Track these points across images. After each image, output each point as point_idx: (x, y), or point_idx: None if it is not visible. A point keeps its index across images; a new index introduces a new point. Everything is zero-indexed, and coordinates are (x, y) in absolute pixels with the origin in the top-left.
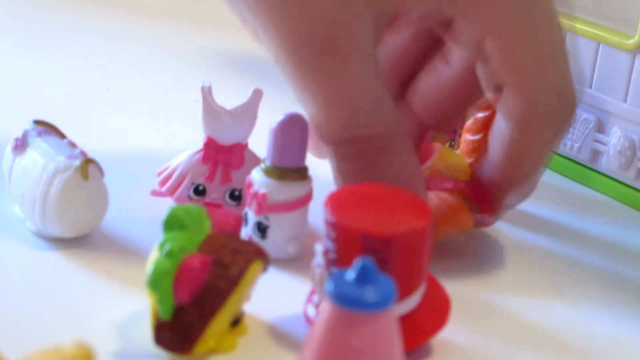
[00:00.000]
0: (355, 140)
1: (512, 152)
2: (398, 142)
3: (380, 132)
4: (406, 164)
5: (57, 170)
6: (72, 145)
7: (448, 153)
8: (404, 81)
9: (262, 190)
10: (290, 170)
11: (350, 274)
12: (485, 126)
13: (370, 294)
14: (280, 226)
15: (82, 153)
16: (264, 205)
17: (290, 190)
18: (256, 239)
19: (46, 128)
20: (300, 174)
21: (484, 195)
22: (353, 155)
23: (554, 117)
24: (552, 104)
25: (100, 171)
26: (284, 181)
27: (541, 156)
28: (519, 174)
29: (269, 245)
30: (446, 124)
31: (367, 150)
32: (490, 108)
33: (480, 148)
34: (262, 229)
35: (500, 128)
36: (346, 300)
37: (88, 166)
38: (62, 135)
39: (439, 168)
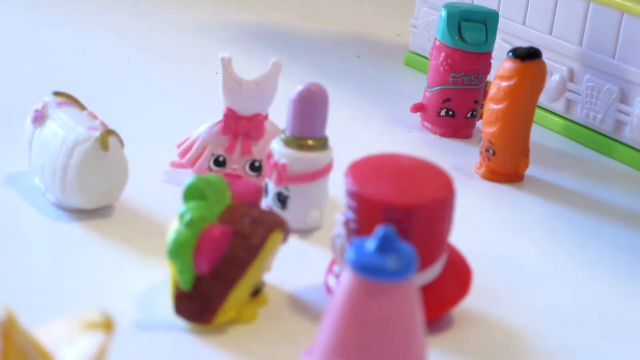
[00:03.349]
0: None
1: None
2: None
3: None
4: None
5: (77, 142)
6: (92, 116)
7: None
8: None
9: (282, 161)
10: (310, 140)
11: (371, 243)
12: (508, 95)
13: (391, 262)
14: (301, 196)
15: (102, 124)
16: (284, 175)
17: (310, 161)
18: (276, 209)
19: (66, 99)
20: (320, 144)
21: None
22: None
23: None
24: None
25: (121, 142)
26: (304, 151)
27: None
28: None
29: (289, 215)
30: None
31: None
32: (514, 77)
33: (503, 117)
34: (282, 199)
35: None
36: (367, 270)
37: (108, 137)
38: (82, 107)
39: None
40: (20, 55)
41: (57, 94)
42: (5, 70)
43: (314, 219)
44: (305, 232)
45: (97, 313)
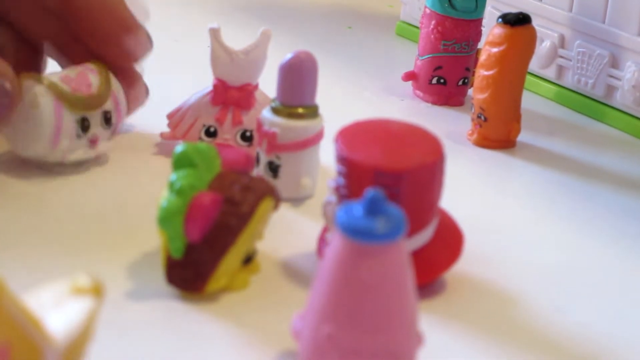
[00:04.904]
0: None
1: None
2: None
3: None
4: None
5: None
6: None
7: None
8: None
9: (272, 130)
10: (300, 108)
11: (360, 206)
12: (499, 61)
13: (379, 225)
14: (292, 165)
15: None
16: (274, 144)
17: (300, 129)
18: (268, 178)
19: None
20: (311, 112)
21: None
22: None
23: None
24: None
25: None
26: (294, 120)
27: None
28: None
29: (281, 184)
30: None
31: None
32: (504, 43)
33: (494, 84)
34: (273, 168)
35: None
36: (356, 232)
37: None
38: None
39: None
40: None
41: None
42: None
43: (306, 187)
44: (298, 201)
45: (86, 278)
